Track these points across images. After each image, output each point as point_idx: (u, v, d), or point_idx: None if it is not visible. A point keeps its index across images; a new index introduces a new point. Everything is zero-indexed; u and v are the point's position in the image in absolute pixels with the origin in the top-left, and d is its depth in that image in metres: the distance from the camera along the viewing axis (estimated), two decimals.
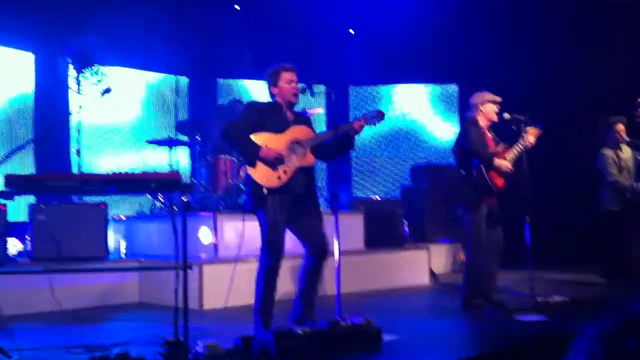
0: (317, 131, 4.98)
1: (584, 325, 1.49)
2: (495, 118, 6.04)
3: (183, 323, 4.01)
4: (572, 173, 9.21)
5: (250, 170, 4.68)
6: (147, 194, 7.65)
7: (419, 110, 11.54)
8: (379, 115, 4.90)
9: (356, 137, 4.87)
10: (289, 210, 4.69)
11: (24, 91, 8.54)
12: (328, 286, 5.76)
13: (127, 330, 4.91)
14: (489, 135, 6.10)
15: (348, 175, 11.21)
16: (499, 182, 5.91)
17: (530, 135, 5.91)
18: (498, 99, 6.07)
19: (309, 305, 4.85)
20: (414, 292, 7.50)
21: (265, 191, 4.61)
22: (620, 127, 7.64)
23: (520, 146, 5.93)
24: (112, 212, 7.97)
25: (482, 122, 6.05)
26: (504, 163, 5.85)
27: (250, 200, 4.76)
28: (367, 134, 11.05)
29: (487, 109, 6.02)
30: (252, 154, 4.66)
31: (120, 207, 8.64)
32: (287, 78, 4.84)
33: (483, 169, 5.82)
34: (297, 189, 4.72)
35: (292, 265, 6.12)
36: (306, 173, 4.80)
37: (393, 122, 11.31)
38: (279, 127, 4.76)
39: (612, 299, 6.39)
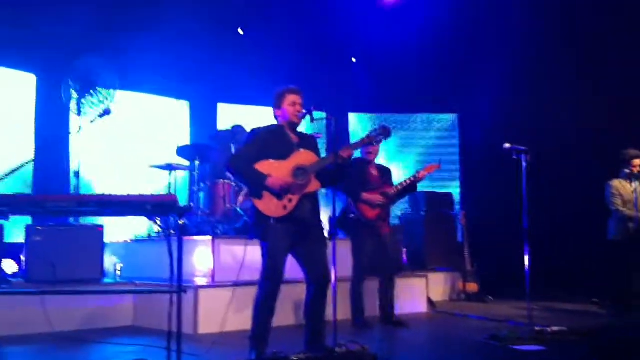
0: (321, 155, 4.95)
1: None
2: (372, 157, 6.87)
3: (176, 347, 3.96)
4: (573, 203, 9.18)
5: (256, 202, 4.65)
6: (145, 217, 7.60)
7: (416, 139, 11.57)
8: (384, 132, 4.88)
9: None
10: (293, 237, 4.67)
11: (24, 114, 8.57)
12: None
13: (119, 354, 4.84)
14: (374, 172, 6.86)
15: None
16: (370, 213, 6.65)
17: (424, 170, 6.71)
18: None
19: (317, 337, 4.78)
20: (411, 320, 7.43)
21: (271, 222, 4.59)
22: (637, 161, 7.65)
23: (408, 180, 6.71)
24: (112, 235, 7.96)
25: (365, 162, 6.82)
26: (374, 197, 6.61)
27: (254, 230, 4.73)
28: None
29: (364, 151, 6.80)
30: (258, 185, 4.63)
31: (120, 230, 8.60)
32: (291, 100, 4.83)
33: (353, 203, 6.60)
34: (303, 216, 4.69)
35: (292, 292, 6.08)
36: (311, 199, 4.77)
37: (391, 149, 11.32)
38: (283, 153, 4.74)
39: (610, 330, 6.33)
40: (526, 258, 6.15)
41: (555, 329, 5.95)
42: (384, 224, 6.83)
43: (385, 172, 7.01)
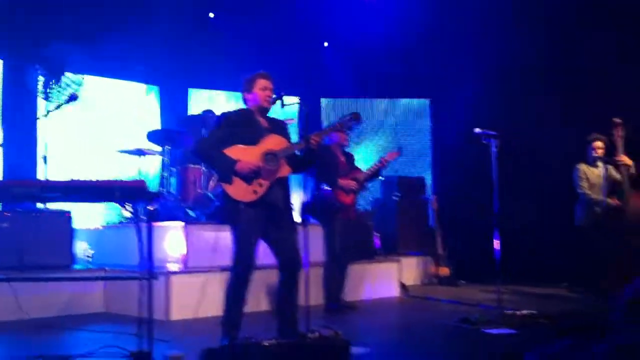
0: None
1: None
2: (346, 144, 7.08)
3: (148, 334, 3.93)
4: (544, 187, 9.27)
5: (226, 186, 4.61)
6: (114, 203, 7.53)
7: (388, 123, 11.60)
8: (355, 118, 4.90)
9: None
10: (263, 222, 4.64)
11: None
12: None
13: (91, 340, 4.79)
14: (342, 158, 6.96)
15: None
16: (346, 199, 6.76)
17: (387, 157, 6.97)
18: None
19: (289, 322, 4.78)
20: (383, 305, 7.49)
21: (242, 206, 4.55)
22: (597, 144, 7.74)
23: (375, 167, 6.93)
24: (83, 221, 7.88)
25: (335, 148, 6.94)
26: (348, 182, 6.75)
27: (224, 215, 4.71)
28: None
29: (340, 137, 6.92)
30: (227, 170, 4.59)
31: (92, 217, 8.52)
32: (262, 85, 4.80)
33: (330, 189, 6.68)
34: (273, 201, 4.66)
35: (265, 278, 6.07)
36: (281, 184, 4.74)
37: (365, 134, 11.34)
38: (252, 138, 4.70)
39: (579, 313, 6.43)
40: (496, 242, 6.20)
41: (524, 312, 6.02)
42: (354, 209, 6.93)
43: (350, 158, 7.13)
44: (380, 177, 7.42)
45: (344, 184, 6.73)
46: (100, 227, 7.84)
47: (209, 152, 4.70)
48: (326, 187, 6.71)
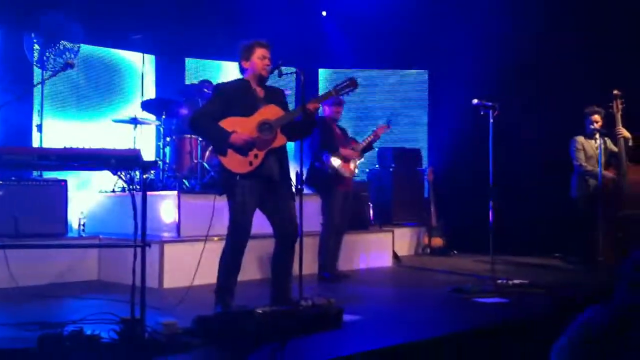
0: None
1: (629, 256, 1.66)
2: (339, 117, 7.13)
3: (140, 301, 3.95)
4: (539, 159, 9.26)
5: (221, 158, 4.62)
6: (109, 171, 7.52)
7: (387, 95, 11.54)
8: (352, 84, 4.87)
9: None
10: (260, 193, 4.66)
11: None
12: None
13: (83, 308, 4.82)
14: (337, 130, 7.08)
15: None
16: (348, 169, 6.89)
17: (379, 130, 7.12)
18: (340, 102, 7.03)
19: (283, 290, 4.82)
20: (377, 274, 7.53)
21: (237, 177, 4.56)
22: (595, 117, 7.75)
23: (369, 138, 7.07)
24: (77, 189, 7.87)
25: (330, 120, 7.00)
26: (350, 152, 6.91)
27: (221, 186, 4.72)
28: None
29: (333, 110, 7.01)
30: (221, 142, 4.60)
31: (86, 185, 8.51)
32: (260, 54, 4.79)
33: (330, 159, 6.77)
34: (269, 172, 4.68)
35: (260, 246, 6.10)
36: (278, 154, 4.75)
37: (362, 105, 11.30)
38: (248, 109, 4.68)
39: (571, 283, 6.48)
40: (490, 213, 6.23)
41: (516, 282, 6.07)
42: (351, 180, 7.01)
43: (344, 131, 7.26)
44: (374, 149, 7.50)
45: (345, 154, 6.83)
46: (95, 196, 7.84)
47: (203, 124, 4.70)
48: (327, 157, 6.74)
